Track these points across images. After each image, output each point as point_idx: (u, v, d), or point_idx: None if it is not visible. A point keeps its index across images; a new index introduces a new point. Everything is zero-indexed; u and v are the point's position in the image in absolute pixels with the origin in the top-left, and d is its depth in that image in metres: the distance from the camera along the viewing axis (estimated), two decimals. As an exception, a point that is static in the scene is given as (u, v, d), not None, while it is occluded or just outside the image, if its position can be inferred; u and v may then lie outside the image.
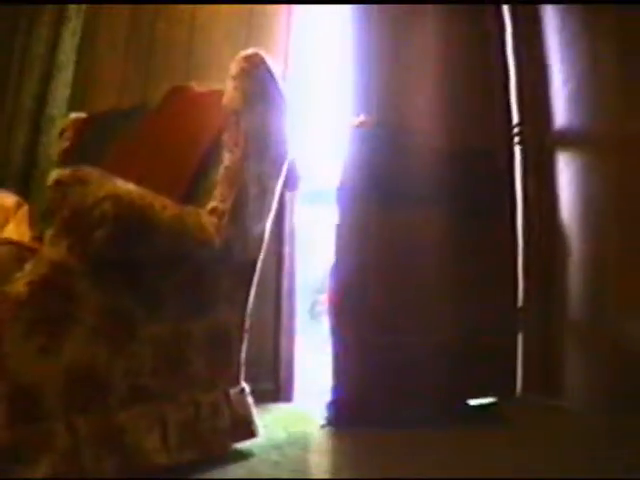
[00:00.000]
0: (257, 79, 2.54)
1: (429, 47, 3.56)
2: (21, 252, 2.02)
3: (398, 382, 3.17)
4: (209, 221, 2.28)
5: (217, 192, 2.36)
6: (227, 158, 2.41)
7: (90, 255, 1.91)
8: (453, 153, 3.43)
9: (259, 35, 4.03)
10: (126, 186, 1.96)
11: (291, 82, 3.78)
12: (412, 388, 3.17)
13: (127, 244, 1.98)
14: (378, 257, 3.27)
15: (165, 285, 2.18)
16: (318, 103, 4.68)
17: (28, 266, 1.90)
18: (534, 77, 3.62)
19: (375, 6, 3.47)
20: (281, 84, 2.69)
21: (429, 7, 3.57)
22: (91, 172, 1.91)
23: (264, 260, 2.64)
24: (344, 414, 3.10)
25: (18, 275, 1.88)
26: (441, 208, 3.36)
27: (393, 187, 3.27)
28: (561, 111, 3.49)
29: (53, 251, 1.90)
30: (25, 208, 3.01)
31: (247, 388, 2.57)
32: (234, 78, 2.51)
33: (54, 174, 1.91)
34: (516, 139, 3.60)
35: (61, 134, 3.28)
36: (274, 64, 2.68)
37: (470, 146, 3.48)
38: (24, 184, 3.59)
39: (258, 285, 2.61)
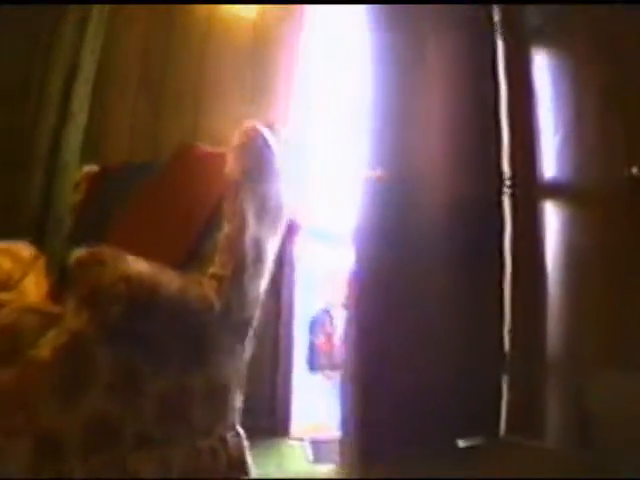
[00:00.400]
0: (255, 152, 2.90)
1: (434, 104, 3.96)
2: (45, 319, 2.44)
3: (396, 421, 3.56)
4: (210, 286, 2.69)
5: (217, 259, 2.77)
6: (227, 226, 2.81)
7: (106, 326, 2.35)
8: (453, 205, 3.82)
9: (263, 85, 4.48)
10: (138, 265, 2.36)
11: (293, 134, 4.24)
12: (405, 427, 3.57)
13: (139, 317, 2.38)
14: (388, 305, 3.68)
15: (170, 346, 2.59)
16: (324, 150, 5.14)
17: (51, 333, 2.32)
18: (524, 130, 3.95)
19: (384, 59, 3.89)
20: (278, 151, 3.13)
21: (435, 64, 3.96)
22: (107, 253, 2.31)
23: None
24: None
25: (43, 340, 2.34)
26: (439, 258, 3.75)
27: (401, 239, 3.66)
28: (549, 162, 3.81)
29: (74, 321, 2.31)
30: (42, 260, 3.42)
31: (242, 432, 3.01)
32: (234, 151, 2.92)
33: (75, 254, 2.33)
34: (506, 190, 3.92)
35: (75, 186, 3.70)
36: (272, 133, 3.12)
37: (470, 197, 3.85)
38: (38, 230, 4.03)
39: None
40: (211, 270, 2.70)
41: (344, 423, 3.52)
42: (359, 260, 3.62)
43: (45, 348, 2.25)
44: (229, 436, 2.86)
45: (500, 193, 3.82)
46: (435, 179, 3.79)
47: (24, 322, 2.41)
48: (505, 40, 3.99)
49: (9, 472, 2.12)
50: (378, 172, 3.55)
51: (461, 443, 3.77)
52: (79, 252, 2.29)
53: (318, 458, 3.55)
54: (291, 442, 3.99)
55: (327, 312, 4.74)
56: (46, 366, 2.23)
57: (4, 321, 2.43)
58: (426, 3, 3.81)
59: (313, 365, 4.61)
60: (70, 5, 4.34)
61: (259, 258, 2.91)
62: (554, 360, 3.53)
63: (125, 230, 2.97)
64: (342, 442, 3.47)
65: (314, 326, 4.68)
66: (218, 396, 2.79)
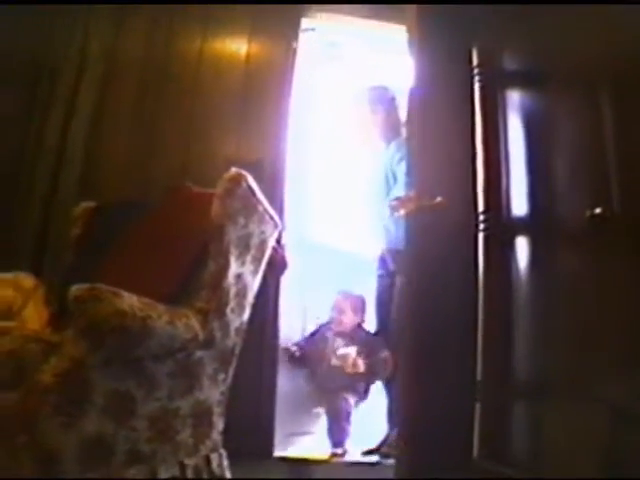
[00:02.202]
0: (238, 197, 3.24)
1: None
2: (46, 347, 2.82)
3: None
4: (196, 319, 3.08)
5: (203, 294, 3.15)
6: (211, 265, 3.18)
7: (102, 354, 2.74)
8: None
9: (254, 123, 4.85)
10: (130, 301, 2.74)
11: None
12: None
13: (131, 347, 2.79)
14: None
15: (159, 372, 2.96)
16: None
17: (53, 359, 2.71)
18: (498, 170, 4.13)
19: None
20: (260, 195, 3.52)
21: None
22: (103, 290, 2.72)
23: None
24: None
25: (45, 367, 2.74)
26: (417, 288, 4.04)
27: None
28: (521, 201, 4.03)
29: (73, 349, 2.70)
30: (42, 290, 3.80)
31: (224, 452, 3.39)
32: (220, 196, 3.30)
33: (75, 290, 2.73)
34: (481, 226, 4.11)
35: (74, 221, 4.08)
36: (261, 171, 3.50)
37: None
38: (37, 262, 4.41)
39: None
40: (197, 304, 3.09)
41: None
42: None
43: (47, 374, 2.64)
44: (212, 456, 3.24)
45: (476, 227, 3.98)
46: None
47: (27, 349, 2.79)
48: (481, 82, 4.17)
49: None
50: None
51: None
52: (78, 288, 2.67)
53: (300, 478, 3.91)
54: (274, 462, 4.31)
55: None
56: (48, 390, 2.62)
57: (8, 348, 2.81)
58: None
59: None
60: (68, 47, 4.72)
61: (241, 293, 3.30)
62: (523, 389, 3.71)
63: (119, 265, 3.34)
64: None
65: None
66: (203, 418, 3.17)
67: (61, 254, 4.09)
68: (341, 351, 5.02)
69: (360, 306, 5.28)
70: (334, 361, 5.04)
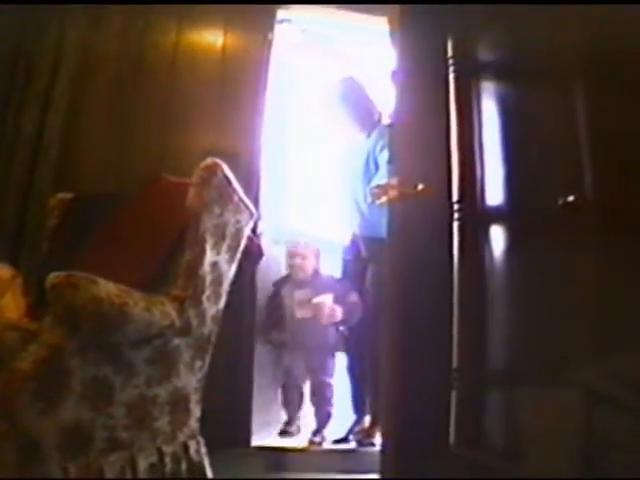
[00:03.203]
0: (214, 186, 3.27)
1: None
2: (24, 335, 2.88)
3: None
4: (172, 306, 3.13)
5: (179, 282, 3.20)
6: (187, 254, 3.21)
7: (79, 340, 2.79)
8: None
9: (230, 113, 4.91)
10: (107, 288, 2.79)
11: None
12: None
13: (108, 333, 2.83)
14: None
15: (137, 359, 3.00)
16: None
17: (31, 347, 2.77)
18: (472, 160, 4.19)
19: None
20: (236, 184, 3.57)
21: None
22: (80, 277, 2.76)
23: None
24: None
25: (23, 354, 2.78)
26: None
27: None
28: (496, 190, 4.09)
29: (51, 336, 2.75)
30: (20, 280, 3.82)
31: (201, 440, 3.45)
32: (196, 186, 3.35)
33: (52, 277, 2.79)
34: (456, 215, 4.16)
35: (50, 212, 4.12)
36: (236, 162, 3.55)
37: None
38: (14, 252, 4.46)
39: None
40: (173, 292, 3.14)
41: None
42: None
43: (26, 361, 2.68)
44: (190, 443, 3.29)
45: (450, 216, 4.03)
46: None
47: (5, 337, 2.84)
48: (456, 72, 4.23)
49: (-3, 471, 2.52)
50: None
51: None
52: (55, 276, 2.71)
53: (278, 468, 3.97)
54: (252, 452, 4.37)
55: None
56: (27, 377, 2.67)
57: (-15, 337, 2.85)
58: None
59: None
60: (43, 37, 4.76)
61: (217, 281, 3.35)
62: (498, 375, 3.76)
63: (96, 254, 3.38)
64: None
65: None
66: (180, 406, 3.22)
67: (37, 245, 4.12)
68: (316, 299, 4.90)
69: (319, 254, 5.17)
70: (301, 313, 4.99)
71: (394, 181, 3.79)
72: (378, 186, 4.06)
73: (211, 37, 4.96)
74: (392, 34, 4.12)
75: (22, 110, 4.60)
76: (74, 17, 4.81)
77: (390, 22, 4.19)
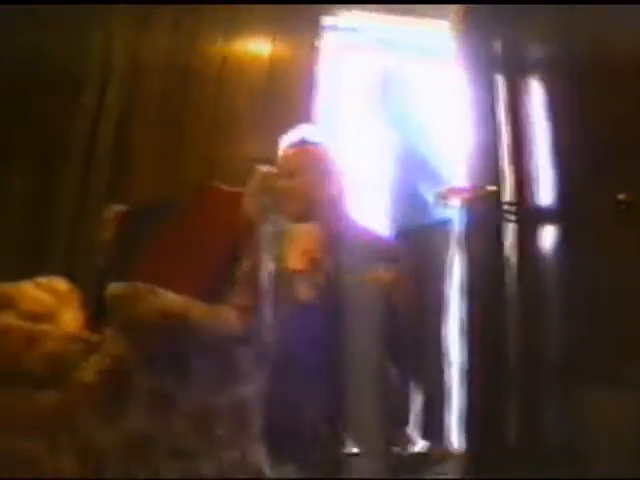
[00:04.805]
0: (268, 195, 3.42)
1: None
2: (86, 347, 2.93)
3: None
4: (233, 315, 3.19)
5: (238, 290, 3.24)
6: (244, 264, 3.28)
7: (142, 350, 2.84)
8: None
9: (279, 121, 4.94)
10: (169, 297, 2.87)
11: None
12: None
13: (171, 343, 2.88)
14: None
15: (198, 368, 3.07)
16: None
17: (94, 358, 2.82)
18: (523, 161, 4.18)
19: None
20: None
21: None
22: (141, 287, 2.83)
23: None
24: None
25: (85, 365, 2.83)
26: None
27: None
28: (546, 190, 4.09)
29: (113, 347, 2.80)
30: (77, 293, 3.89)
31: (263, 448, 3.48)
32: (249, 195, 3.41)
33: (112, 288, 2.84)
34: (509, 215, 4.16)
35: (105, 224, 4.18)
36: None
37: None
38: (70, 265, 4.52)
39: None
40: (233, 301, 3.17)
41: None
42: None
43: (89, 372, 2.73)
44: (250, 450, 3.32)
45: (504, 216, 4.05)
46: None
47: (67, 350, 2.88)
48: (504, 73, 4.25)
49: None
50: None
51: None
52: (116, 286, 2.76)
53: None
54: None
55: None
56: (90, 388, 2.72)
57: (49, 349, 2.90)
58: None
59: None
60: (92, 53, 4.82)
61: (275, 288, 3.39)
62: (556, 376, 3.75)
63: (154, 266, 3.42)
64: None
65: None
66: (241, 414, 3.26)
67: (93, 258, 4.17)
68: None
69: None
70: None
71: (465, 183, 3.83)
72: (449, 188, 4.08)
73: (258, 45, 5.00)
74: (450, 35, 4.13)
75: (72, 122, 4.62)
76: (121, 27, 4.86)
77: (452, 23, 4.20)
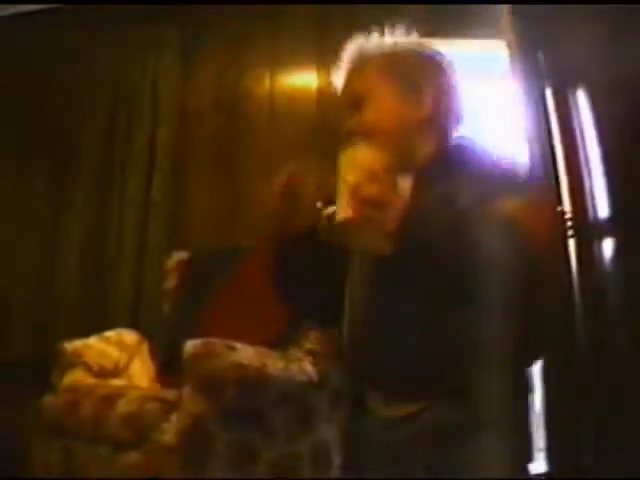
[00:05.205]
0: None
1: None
2: (164, 406, 2.93)
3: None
4: (307, 361, 3.17)
5: (311, 336, 3.27)
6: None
7: (221, 407, 2.84)
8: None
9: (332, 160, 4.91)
10: (245, 352, 2.85)
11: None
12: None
13: (250, 397, 2.90)
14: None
15: (277, 417, 3.07)
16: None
17: (174, 417, 2.82)
18: (578, 172, 4.16)
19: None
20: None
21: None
22: (217, 344, 2.82)
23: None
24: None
25: (165, 426, 2.83)
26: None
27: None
28: (601, 201, 4.06)
29: (192, 405, 2.80)
30: (146, 344, 3.91)
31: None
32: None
33: (189, 347, 2.84)
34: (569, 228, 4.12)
35: (168, 272, 4.19)
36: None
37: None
38: (135, 315, 4.53)
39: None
40: (307, 346, 3.16)
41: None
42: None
43: (169, 433, 2.73)
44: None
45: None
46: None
47: (146, 410, 2.89)
48: (552, 85, 4.22)
49: None
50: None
51: None
52: (193, 344, 2.76)
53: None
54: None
55: None
56: (173, 449, 2.71)
57: (127, 409, 2.91)
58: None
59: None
60: (138, 93, 4.84)
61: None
62: (619, 390, 3.78)
63: (223, 315, 3.43)
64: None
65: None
66: (321, 458, 3.24)
67: (157, 307, 4.18)
68: None
69: None
70: None
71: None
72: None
73: (305, 78, 4.95)
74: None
75: (125, 170, 4.63)
76: (167, 72, 4.85)
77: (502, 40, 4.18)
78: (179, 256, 4.01)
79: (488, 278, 1.68)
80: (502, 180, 1.87)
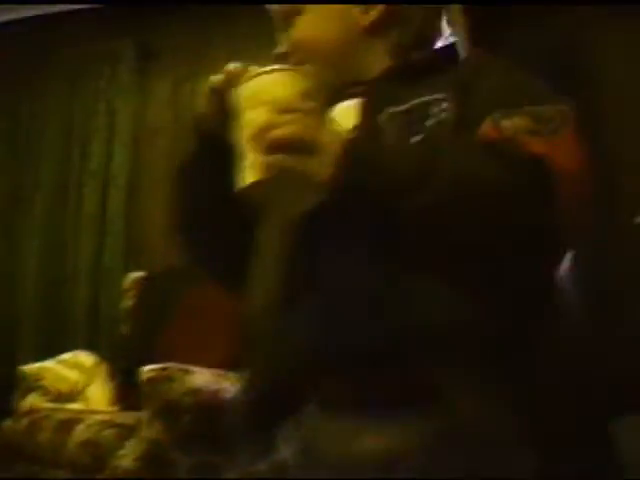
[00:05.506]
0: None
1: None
2: (121, 431, 2.92)
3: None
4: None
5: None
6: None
7: (179, 432, 2.82)
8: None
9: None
10: (202, 377, 2.85)
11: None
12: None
13: (206, 421, 2.88)
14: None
15: (244, 440, 3.09)
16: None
17: (130, 443, 2.81)
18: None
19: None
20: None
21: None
22: (174, 369, 2.81)
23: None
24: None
25: (123, 452, 2.81)
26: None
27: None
28: None
29: (150, 431, 2.78)
30: (103, 367, 3.88)
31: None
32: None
33: (146, 372, 2.82)
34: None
35: (125, 292, 4.16)
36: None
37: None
38: (91, 335, 4.49)
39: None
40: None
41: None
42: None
43: (127, 458, 2.70)
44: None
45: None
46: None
47: (103, 436, 2.87)
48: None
49: None
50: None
51: None
52: (150, 369, 2.74)
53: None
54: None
55: None
56: (129, 474, 2.67)
57: (85, 436, 2.89)
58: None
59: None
60: (98, 124, 4.81)
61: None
62: None
63: (180, 335, 3.41)
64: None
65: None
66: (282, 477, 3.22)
67: (115, 327, 4.15)
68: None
69: None
70: None
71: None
72: None
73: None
74: None
75: (81, 189, 4.61)
76: (122, 87, 4.82)
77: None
78: (136, 275, 3.96)
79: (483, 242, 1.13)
80: (514, 89, 1.27)
